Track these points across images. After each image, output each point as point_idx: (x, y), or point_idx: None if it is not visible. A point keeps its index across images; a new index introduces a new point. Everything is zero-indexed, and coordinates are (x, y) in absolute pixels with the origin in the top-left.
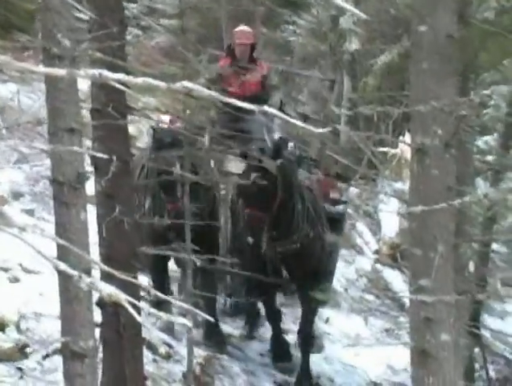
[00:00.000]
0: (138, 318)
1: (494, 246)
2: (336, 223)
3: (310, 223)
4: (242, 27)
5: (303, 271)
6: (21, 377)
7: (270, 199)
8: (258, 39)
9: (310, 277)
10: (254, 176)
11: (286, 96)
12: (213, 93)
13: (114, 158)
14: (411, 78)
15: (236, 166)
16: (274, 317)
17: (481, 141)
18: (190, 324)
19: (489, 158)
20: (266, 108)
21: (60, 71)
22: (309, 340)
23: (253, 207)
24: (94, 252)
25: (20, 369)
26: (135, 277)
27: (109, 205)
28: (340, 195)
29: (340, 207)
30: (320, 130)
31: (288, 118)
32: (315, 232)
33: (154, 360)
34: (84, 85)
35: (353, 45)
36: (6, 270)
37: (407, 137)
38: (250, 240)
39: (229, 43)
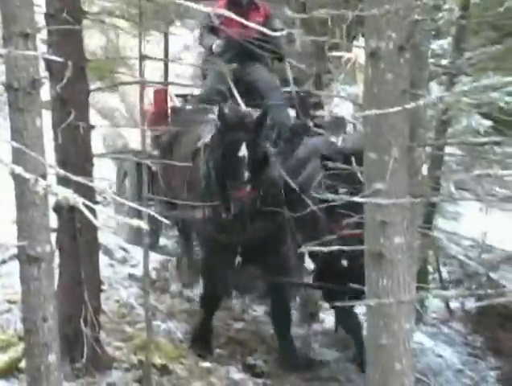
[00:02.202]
0: (95, 222)
1: (448, 149)
2: None
3: None
4: None
5: None
6: None
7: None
8: None
9: None
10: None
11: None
12: None
13: (69, 63)
14: None
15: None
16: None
17: (436, 45)
18: (146, 226)
19: (444, 61)
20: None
21: None
22: None
23: None
24: (50, 158)
25: None
26: (91, 181)
27: (65, 110)
28: None
29: None
30: (276, 34)
31: None
32: None
33: (111, 265)
34: None
35: None
36: None
37: (361, 42)
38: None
39: None
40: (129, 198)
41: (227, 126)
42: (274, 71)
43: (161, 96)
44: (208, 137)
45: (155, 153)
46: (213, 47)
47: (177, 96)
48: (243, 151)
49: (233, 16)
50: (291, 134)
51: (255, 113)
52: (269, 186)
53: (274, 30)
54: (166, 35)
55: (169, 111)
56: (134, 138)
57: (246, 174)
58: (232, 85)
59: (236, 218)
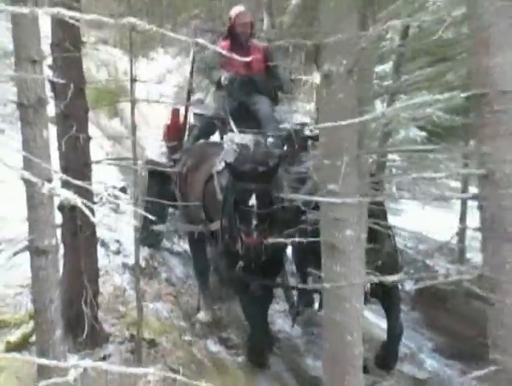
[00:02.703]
0: (92, 219)
1: (390, 156)
2: None
3: None
4: (240, 8)
5: None
6: None
7: None
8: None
9: None
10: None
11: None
12: (155, 28)
13: (71, 85)
14: (320, 15)
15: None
16: None
17: (379, 69)
18: (137, 224)
19: (386, 82)
20: None
21: (24, 10)
22: None
23: None
24: (55, 165)
25: None
26: (89, 184)
27: (67, 124)
28: None
29: None
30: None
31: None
32: None
33: (107, 255)
34: (44, 24)
35: None
36: None
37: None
38: None
39: (228, 25)
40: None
41: (240, 175)
42: (278, 101)
43: (176, 113)
44: (222, 164)
45: (169, 162)
46: (222, 79)
47: (194, 114)
48: (253, 201)
49: (236, 57)
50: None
51: (256, 141)
52: (277, 223)
53: (273, 63)
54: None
55: (182, 125)
56: (151, 149)
57: (254, 223)
58: (234, 112)
59: (245, 255)
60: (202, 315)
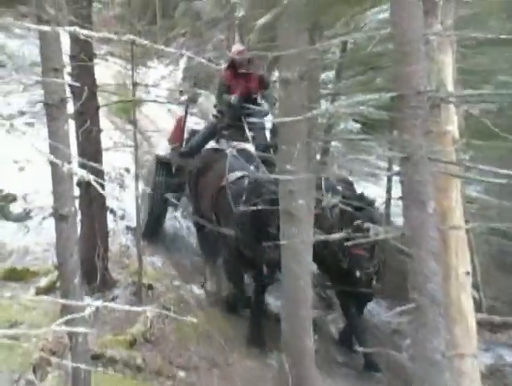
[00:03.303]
0: (102, 192)
1: (332, 143)
2: None
3: None
4: (239, 46)
5: None
6: (27, 232)
7: None
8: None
9: None
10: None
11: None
12: (150, 43)
13: (85, 88)
14: (279, 33)
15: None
16: None
17: (324, 75)
18: (138, 195)
19: (329, 86)
20: None
21: (47, 28)
22: None
23: None
24: (73, 150)
25: (27, 227)
26: (100, 166)
27: (83, 119)
28: None
29: None
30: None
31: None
32: None
33: (114, 220)
34: (65, 41)
35: (241, 12)
36: (16, 162)
37: (277, 73)
38: None
39: (230, 59)
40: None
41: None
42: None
43: (180, 120)
44: (233, 176)
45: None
46: (232, 100)
47: (195, 124)
48: (273, 228)
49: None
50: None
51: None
52: None
53: (267, 84)
54: None
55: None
56: (159, 148)
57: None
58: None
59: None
60: (209, 285)
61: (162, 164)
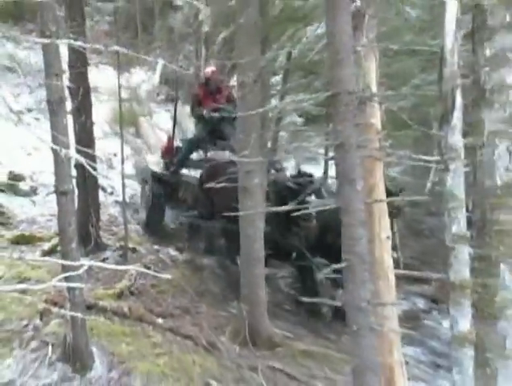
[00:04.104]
0: (94, 173)
1: (280, 133)
2: None
3: None
4: (212, 68)
5: None
6: (34, 205)
7: None
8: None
9: None
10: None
11: (171, 55)
12: (131, 53)
13: (81, 88)
14: (236, 45)
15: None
16: None
17: (273, 79)
18: (124, 175)
19: (278, 87)
20: None
21: (47, 41)
22: None
23: None
24: (71, 139)
25: (33, 201)
26: (93, 152)
27: (79, 114)
28: None
29: None
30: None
31: None
32: None
33: (105, 195)
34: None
35: (206, 28)
36: (23, 148)
37: (235, 78)
38: None
39: (204, 78)
40: (146, 197)
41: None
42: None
43: (170, 139)
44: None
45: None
46: (204, 113)
47: (180, 140)
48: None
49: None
50: None
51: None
52: None
53: (234, 99)
54: None
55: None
56: (152, 161)
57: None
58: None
59: None
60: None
61: (157, 179)
